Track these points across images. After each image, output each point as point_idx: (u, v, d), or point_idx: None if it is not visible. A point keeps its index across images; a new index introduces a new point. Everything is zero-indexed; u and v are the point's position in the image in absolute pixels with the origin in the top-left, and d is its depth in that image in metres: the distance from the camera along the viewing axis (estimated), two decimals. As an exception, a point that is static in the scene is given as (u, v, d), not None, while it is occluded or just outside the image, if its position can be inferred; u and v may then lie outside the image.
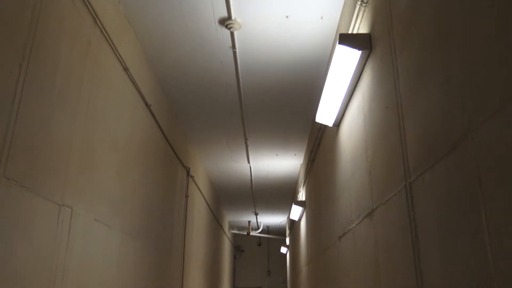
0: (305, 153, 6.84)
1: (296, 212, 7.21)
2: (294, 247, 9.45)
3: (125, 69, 3.42)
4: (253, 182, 8.43)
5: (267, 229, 14.35)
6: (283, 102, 5.04)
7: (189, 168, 6.29)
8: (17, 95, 1.96)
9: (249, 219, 12.56)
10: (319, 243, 4.86)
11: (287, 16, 3.43)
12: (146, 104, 4.04)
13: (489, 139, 1.17)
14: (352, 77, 2.78)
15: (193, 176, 6.67)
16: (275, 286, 15.30)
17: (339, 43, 2.51)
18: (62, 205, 2.43)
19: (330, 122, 3.48)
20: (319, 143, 4.85)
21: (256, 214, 11.54)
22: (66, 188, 2.48)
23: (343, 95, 3.01)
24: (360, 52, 2.52)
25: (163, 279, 4.76)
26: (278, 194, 9.67)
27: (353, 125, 2.94)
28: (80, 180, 2.66)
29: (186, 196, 6.14)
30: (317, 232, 5.08)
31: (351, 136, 2.98)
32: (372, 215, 2.42)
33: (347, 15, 3.12)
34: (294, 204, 6.93)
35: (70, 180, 2.53)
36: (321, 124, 4.49)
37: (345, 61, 2.64)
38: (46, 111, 2.24)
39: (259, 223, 12.85)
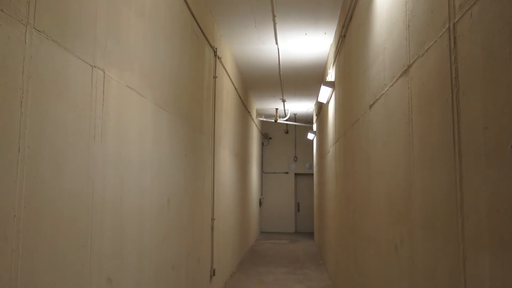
0: (335, 31, 6.56)
1: (325, 93, 7.16)
2: (321, 131, 9.59)
3: None
4: (280, 65, 8.28)
5: (294, 117, 14.48)
6: (314, -29, 4.70)
7: (216, 48, 6.18)
8: None
9: (276, 107, 12.61)
10: (349, 118, 4.87)
11: None
12: (169, -28, 3.84)
13: None
14: None
15: (221, 58, 6.57)
16: (302, 171, 15.90)
17: None
18: (94, 66, 2.44)
19: (365, -16, 3.24)
20: (352, 15, 4.60)
21: (284, 101, 11.53)
22: (96, 49, 2.46)
23: None
24: None
25: (196, 153, 4.96)
26: (306, 78, 9.54)
27: (391, -19, 2.73)
28: (109, 44, 2.64)
29: (214, 77, 6.12)
30: (347, 108, 5.06)
31: (389, -7, 2.78)
32: (408, 71, 2.34)
33: None
34: (323, 85, 6.84)
35: (99, 43, 2.51)
36: (354, -8, 4.21)
37: None
38: (68, -36, 2.15)
39: (286, 111, 12.92)
